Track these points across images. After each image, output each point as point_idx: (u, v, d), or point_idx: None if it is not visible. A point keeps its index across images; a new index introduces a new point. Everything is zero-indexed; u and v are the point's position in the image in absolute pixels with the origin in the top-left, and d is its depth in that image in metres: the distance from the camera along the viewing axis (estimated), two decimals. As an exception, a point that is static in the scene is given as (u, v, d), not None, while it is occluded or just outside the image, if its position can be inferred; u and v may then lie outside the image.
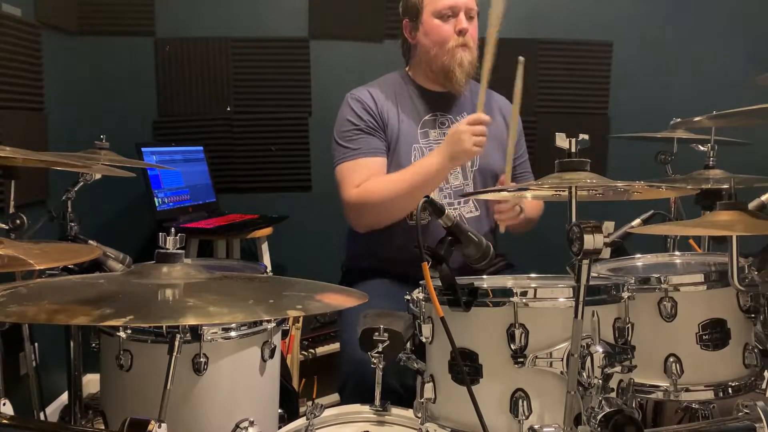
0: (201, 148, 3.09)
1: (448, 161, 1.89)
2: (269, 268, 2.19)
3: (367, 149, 2.02)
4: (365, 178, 1.99)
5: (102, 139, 1.76)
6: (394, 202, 1.95)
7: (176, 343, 1.04)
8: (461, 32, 1.99)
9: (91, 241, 1.64)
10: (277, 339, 1.47)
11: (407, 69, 2.17)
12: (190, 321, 0.97)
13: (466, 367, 1.17)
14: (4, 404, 1.02)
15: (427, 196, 1.23)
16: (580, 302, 1.03)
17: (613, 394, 1.12)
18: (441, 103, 2.10)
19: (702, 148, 1.99)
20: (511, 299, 1.15)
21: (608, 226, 1.03)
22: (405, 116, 2.06)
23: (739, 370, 1.41)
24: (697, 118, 1.57)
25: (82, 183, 1.71)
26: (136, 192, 2.86)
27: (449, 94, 2.10)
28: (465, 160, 1.99)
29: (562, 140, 1.18)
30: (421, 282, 1.25)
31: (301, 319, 2.54)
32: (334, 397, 2.41)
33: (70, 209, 1.67)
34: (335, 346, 2.53)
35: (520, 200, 1.96)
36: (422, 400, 1.24)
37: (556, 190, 1.25)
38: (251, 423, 1.25)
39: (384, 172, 2.02)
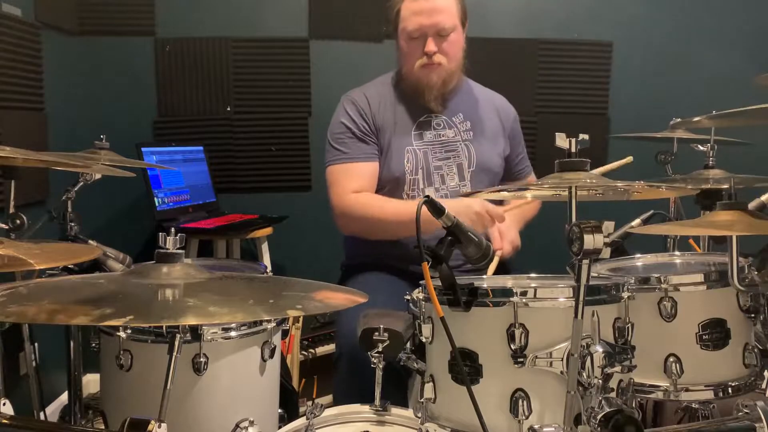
0: (201, 148, 3.09)
1: None
2: (269, 268, 2.19)
3: (359, 154, 2.03)
4: (357, 184, 2.01)
5: (102, 139, 1.76)
6: (383, 226, 1.98)
7: (176, 343, 1.04)
8: (427, 54, 1.99)
9: (91, 241, 1.64)
10: (277, 339, 1.47)
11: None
12: (190, 321, 0.97)
13: (466, 367, 1.17)
14: (4, 404, 1.02)
15: (427, 196, 1.23)
16: (580, 302, 1.03)
17: (613, 394, 1.12)
18: (435, 105, 2.10)
19: (702, 148, 1.99)
20: (511, 299, 1.15)
21: (608, 226, 1.02)
22: (399, 118, 2.07)
23: (739, 370, 1.40)
24: (697, 118, 1.57)
25: (82, 183, 1.71)
26: (136, 192, 2.87)
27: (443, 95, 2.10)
28: None
29: (562, 140, 1.18)
30: (421, 282, 1.25)
31: (301, 319, 2.54)
32: (334, 396, 2.41)
33: (70, 209, 1.67)
34: (335, 346, 2.53)
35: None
36: (422, 400, 1.23)
37: (556, 190, 1.25)
38: (251, 423, 1.24)
39: (375, 178, 2.04)
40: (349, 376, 1.73)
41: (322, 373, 2.57)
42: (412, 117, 2.08)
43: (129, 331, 1.35)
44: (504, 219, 1.93)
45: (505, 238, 2.01)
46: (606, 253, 1.02)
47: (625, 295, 1.21)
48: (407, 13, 2.00)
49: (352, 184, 2.01)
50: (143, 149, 2.74)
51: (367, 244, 2.08)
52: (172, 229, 1.06)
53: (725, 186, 1.75)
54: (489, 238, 2.05)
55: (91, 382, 2.06)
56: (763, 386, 1.44)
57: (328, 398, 2.49)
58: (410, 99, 2.10)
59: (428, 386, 1.24)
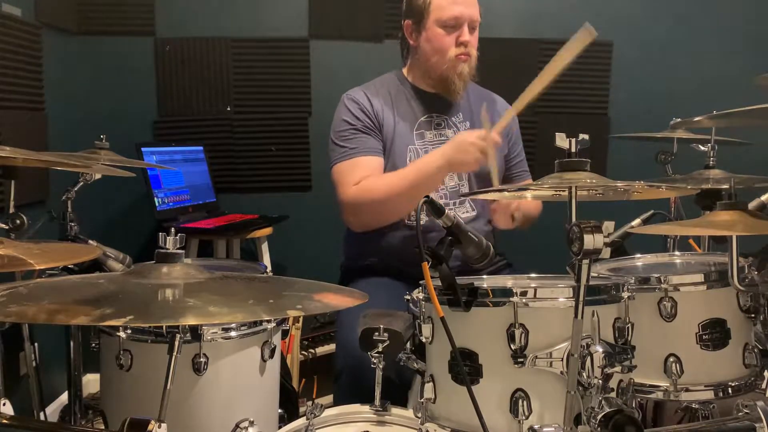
0: (201, 148, 3.09)
1: (447, 165, 1.88)
2: (269, 268, 2.19)
3: (364, 148, 2.02)
4: (363, 177, 1.99)
5: (102, 139, 1.76)
6: (392, 200, 1.95)
7: (176, 343, 1.04)
8: (463, 44, 1.99)
9: (91, 241, 1.64)
10: (277, 339, 1.47)
11: (404, 69, 2.17)
12: (190, 321, 0.97)
13: (466, 367, 1.17)
14: (4, 404, 1.02)
15: (427, 196, 1.23)
16: (580, 302, 1.03)
17: (613, 394, 1.12)
18: (437, 104, 2.10)
19: (702, 148, 1.99)
20: (511, 299, 1.15)
21: (608, 226, 1.03)
22: (400, 117, 2.06)
23: (739, 370, 1.41)
24: (697, 118, 1.57)
25: (82, 183, 1.71)
26: (136, 192, 2.87)
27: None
28: (462, 170, 1.99)
29: (562, 140, 1.18)
30: (421, 282, 1.25)
31: (301, 319, 2.54)
32: (334, 397, 2.41)
33: (70, 209, 1.68)
34: (335, 346, 2.53)
35: (517, 203, 1.96)
36: (422, 400, 1.23)
37: (556, 190, 1.25)
38: (251, 423, 1.24)
39: (381, 172, 2.02)
40: (350, 377, 1.73)
41: (322, 373, 2.57)
42: (413, 116, 2.08)
43: (129, 331, 1.35)
44: (499, 140, 1.89)
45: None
46: (606, 253, 1.02)
47: (625, 295, 1.21)
48: (444, 2, 1.99)
49: (357, 177, 1.99)
50: (143, 149, 2.74)
51: (367, 245, 2.07)
52: (172, 229, 1.06)
53: (725, 186, 1.75)
54: (494, 239, 2.05)
55: (91, 382, 2.06)
56: (763, 386, 1.44)
57: (328, 398, 2.49)
58: (416, 97, 2.10)
59: (428, 386, 1.24)
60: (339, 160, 2.03)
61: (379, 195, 1.96)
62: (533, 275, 1.42)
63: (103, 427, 1.44)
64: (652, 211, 1.90)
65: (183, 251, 1.06)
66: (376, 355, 1.31)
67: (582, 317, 1.04)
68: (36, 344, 1.58)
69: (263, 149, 3.22)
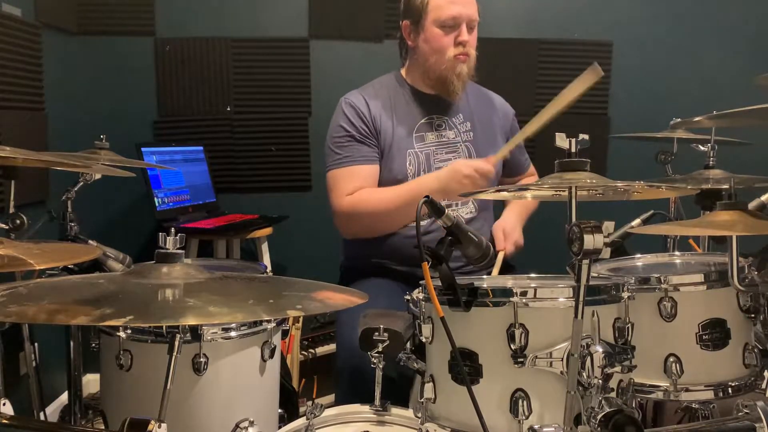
0: (201, 148, 3.09)
1: (442, 191, 1.89)
2: (269, 268, 2.19)
3: (359, 157, 2.02)
4: (357, 187, 2.00)
5: (102, 139, 1.76)
6: (383, 216, 1.98)
7: (176, 343, 1.04)
8: (462, 44, 1.99)
9: (91, 241, 1.64)
10: (277, 339, 1.47)
11: (403, 70, 2.16)
12: (190, 321, 0.97)
13: (466, 367, 1.17)
14: (4, 404, 1.02)
15: (427, 196, 1.23)
16: (580, 302, 1.03)
17: (613, 394, 1.12)
18: (437, 106, 2.10)
19: (702, 148, 1.99)
20: (511, 299, 1.15)
21: (608, 226, 1.02)
22: (400, 121, 2.06)
23: (739, 370, 1.41)
24: (697, 118, 1.57)
25: (82, 183, 1.71)
26: (136, 192, 2.87)
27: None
28: (454, 197, 2.00)
29: (562, 140, 1.18)
30: (421, 282, 1.25)
31: (301, 319, 2.54)
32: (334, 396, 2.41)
33: (70, 209, 1.68)
34: (335, 346, 2.53)
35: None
36: (422, 400, 1.24)
37: (556, 190, 1.25)
38: (251, 423, 1.25)
39: (376, 180, 2.03)
40: (350, 377, 1.73)
41: (322, 373, 2.57)
42: (412, 120, 2.07)
43: (129, 331, 1.35)
44: (492, 172, 1.91)
45: (509, 238, 2.05)
46: (606, 253, 1.02)
47: (625, 295, 1.21)
48: (442, 2, 1.99)
49: (351, 187, 2.00)
50: (143, 149, 2.74)
51: (367, 245, 2.07)
52: (172, 229, 1.06)
53: (725, 186, 1.75)
54: (493, 240, 2.07)
55: (91, 382, 2.07)
56: (763, 386, 1.44)
57: (328, 398, 2.49)
58: (416, 99, 2.10)
59: (428, 386, 1.24)
60: (334, 166, 2.04)
61: (371, 209, 1.98)
62: (533, 275, 1.43)
63: (103, 427, 1.44)
64: (652, 211, 1.90)
65: (183, 251, 1.06)
66: (376, 355, 1.31)
67: (582, 317, 1.04)
68: (36, 344, 1.58)
69: (263, 149, 3.23)
